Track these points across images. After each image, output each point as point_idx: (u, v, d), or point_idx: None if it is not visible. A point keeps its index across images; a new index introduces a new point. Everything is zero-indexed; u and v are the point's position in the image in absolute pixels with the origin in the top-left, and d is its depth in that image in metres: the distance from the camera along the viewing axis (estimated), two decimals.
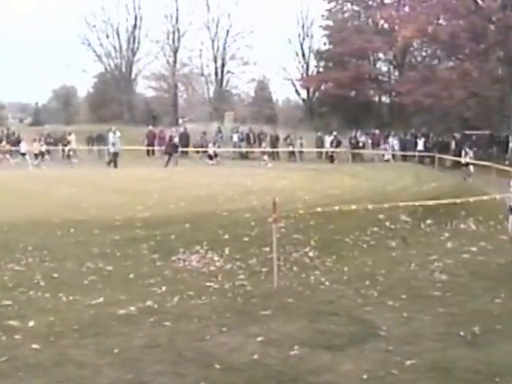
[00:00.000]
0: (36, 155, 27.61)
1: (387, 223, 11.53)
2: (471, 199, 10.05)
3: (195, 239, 9.21)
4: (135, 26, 45.59)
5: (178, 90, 46.34)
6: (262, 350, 5.51)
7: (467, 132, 30.89)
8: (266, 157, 29.19)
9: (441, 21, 30.30)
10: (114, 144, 24.62)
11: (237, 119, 39.42)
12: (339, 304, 6.70)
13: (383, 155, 28.56)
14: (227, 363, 5.09)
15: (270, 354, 5.45)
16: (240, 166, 24.91)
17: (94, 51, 45.58)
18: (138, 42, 46.23)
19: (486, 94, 30.82)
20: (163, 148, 27.79)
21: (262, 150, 30.80)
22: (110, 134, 25.29)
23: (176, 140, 27.08)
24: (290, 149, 30.70)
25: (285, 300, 6.50)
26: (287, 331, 5.87)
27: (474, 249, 9.90)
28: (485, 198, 11.41)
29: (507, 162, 20.46)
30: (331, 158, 29.12)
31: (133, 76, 47.66)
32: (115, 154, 24.62)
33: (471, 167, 22.23)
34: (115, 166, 24.09)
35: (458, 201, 11.23)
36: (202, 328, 6.11)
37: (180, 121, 42.24)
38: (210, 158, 28.32)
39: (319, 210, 9.48)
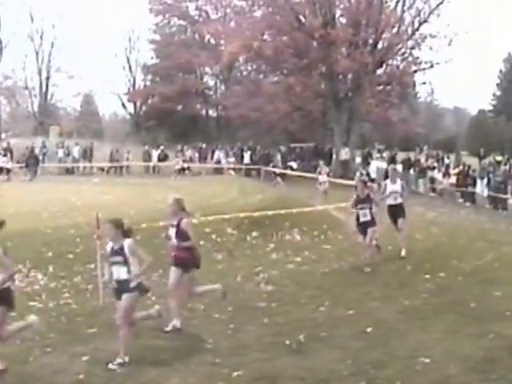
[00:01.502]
0: None
1: (213, 236, 12.30)
2: (294, 210, 11.09)
3: (18, 258, 8.81)
4: None
5: (0, 104, 45.02)
6: (88, 370, 5.62)
7: (292, 145, 33.45)
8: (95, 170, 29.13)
9: (265, 36, 32.40)
10: None
11: (62, 133, 39.06)
12: (166, 318, 6.96)
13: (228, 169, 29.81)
14: None
15: (95, 373, 5.57)
16: (65, 182, 24.41)
17: None
18: None
19: (309, 108, 33.86)
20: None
21: (89, 164, 31.26)
22: None
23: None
24: (116, 164, 31.03)
25: (110, 317, 6.61)
26: (113, 349, 6.03)
27: (298, 259, 11.01)
28: (306, 209, 12.64)
29: (331, 174, 22.63)
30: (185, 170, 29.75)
31: None
32: None
33: (279, 178, 24.54)
34: None
35: (283, 212, 12.29)
36: (25, 350, 6.07)
37: (3, 135, 39.65)
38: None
39: (144, 225, 9.79)
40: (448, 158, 29.75)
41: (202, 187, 19.95)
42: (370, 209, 10.74)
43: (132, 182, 24.73)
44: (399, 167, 27.28)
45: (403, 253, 11.38)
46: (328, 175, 21.50)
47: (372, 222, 10.72)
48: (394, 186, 11.69)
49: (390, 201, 11.60)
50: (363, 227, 10.67)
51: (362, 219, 10.68)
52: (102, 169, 31.46)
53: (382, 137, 42.74)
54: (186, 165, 30.11)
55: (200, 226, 11.53)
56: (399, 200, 11.64)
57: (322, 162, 23.52)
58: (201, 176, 28.55)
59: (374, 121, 36.15)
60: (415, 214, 17.42)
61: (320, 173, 21.28)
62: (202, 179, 25.76)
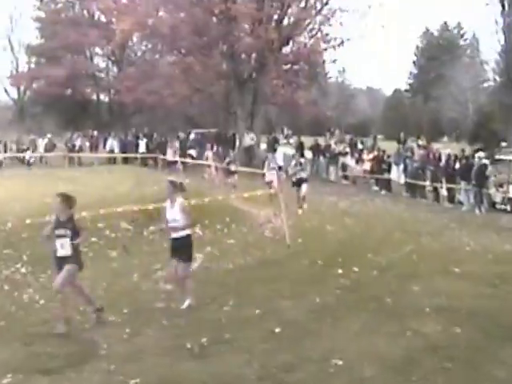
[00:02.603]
0: None
1: (107, 232, 12.18)
2: (192, 202, 11.08)
3: None
4: None
5: None
6: None
7: (192, 131, 33.46)
8: None
9: (161, 13, 32.02)
10: None
11: None
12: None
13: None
14: None
15: None
16: None
17: None
18: None
19: (210, 90, 33.87)
20: None
21: None
22: None
23: None
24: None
25: None
26: None
27: (200, 255, 10.96)
28: (206, 199, 12.67)
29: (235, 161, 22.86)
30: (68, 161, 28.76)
31: None
32: None
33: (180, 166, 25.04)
34: None
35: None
36: None
37: None
38: None
39: (29, 221, 9.79)
40: (362, 142, 30.72)
41: (94, 178, 19.84)
42: None
43: (18, 173, 24.27)
44: (308, 153, 28.09)
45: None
46: (229, 164, 21.74)
47: None
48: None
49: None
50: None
51: None
52: None
53: (290, 121, 43.73)
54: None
55: (92, 220, 11.40)
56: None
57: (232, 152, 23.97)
58: (93, 166, 28.05)
59: (280, 103, 36.82)
60: (326, 204, 17.98)
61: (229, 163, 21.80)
62: (93, 170, 25.37)
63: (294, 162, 18.41)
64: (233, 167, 21.48)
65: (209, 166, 24.03)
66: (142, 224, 13.03)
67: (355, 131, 42.77)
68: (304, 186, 17.05)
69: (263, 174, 19.14)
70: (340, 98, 57.83)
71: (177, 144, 29.38)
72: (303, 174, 17.48)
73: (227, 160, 22.23)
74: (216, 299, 8.47)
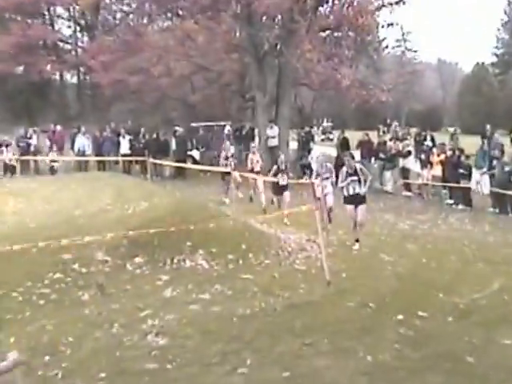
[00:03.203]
0: None
1: (76, 266, 12.20)
2: (192, 226, 11.17)
3: None
4: None
5: None
6: None
7: (194, 124, 33.57)
8: None
9: None
10: None
11: None
12: None
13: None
14: None
15: None
16: None
17: None
18: None
19: (218, 68, 33.96)
20: None
21: None
22: None
23: None
24: None
25: None
26: None
27: (205, 296, 11.08)
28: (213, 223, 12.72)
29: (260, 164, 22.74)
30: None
31: None
32: None
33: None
34: None
35: (181, 227, 12.30)
36: None
37: None
38: None
39: None
40: (433, 139, 30.53)
41: (57, 192, 19.75)
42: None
43: None
44: (356, 154, 28.12)
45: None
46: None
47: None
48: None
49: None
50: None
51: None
52: None
53: (330, 109, 43.76)
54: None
55: (55, 250, 11.49)
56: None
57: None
58: (56, 175, 28.07)
59: (316, 85, 36.79)
60: (381, 225, 17.97)
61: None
62: (56, 179, 25.42)
63: (344, 170, 16.03)
64: (282, 179, 19.16)
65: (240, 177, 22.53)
66: (125, 254, 13.05)
67: (421, 122, 42.64)
68: (361, 209, 15.75)
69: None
70: (400, 76, 57.74)
71: (173, 143, 29.50)
72: (359, 189, 15.77)
73: (275, 168, 19.69)
74: (228, 357, 8.49)
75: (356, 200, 15.65)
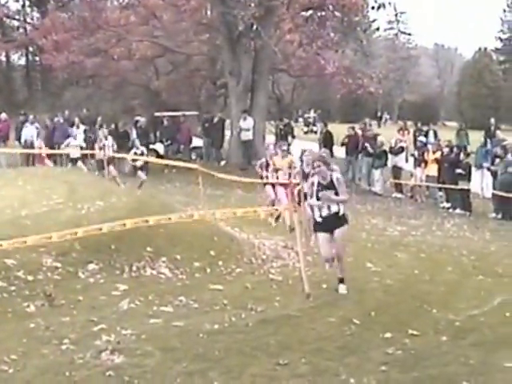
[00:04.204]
0: None
1: (21, 273, 12.10)
2: (151, 221, 11.18)
3: None
4: None
5: None
6: None
7: (158, 114, 33.54)
8: None
9: None
10: None
11: None
12: None
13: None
14: None
15: None
16: None
17: None
18: None
19: (186, 51, 33.95)
20: None
21: None
22: None
23: None
24: None
25: None
26: None
27: (168, 309, 11.10)
28: (172, 217, 12.72)
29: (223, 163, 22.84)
30: None
31: None
32: None
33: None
34: None
35: (142, 228, 12.32)
36: None
37: None
38: None
39: None
40: (435, 135, 30.61)
41: (0, 189, 19.63)
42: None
43: None
44: (339, 151, 28.22)
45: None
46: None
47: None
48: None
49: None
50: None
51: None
52: None
53: (313, 99, 43.84)
54: None
55: None
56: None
57: None
58: None
59: (297, 72, 36.90)
60: (368, 230, 18.04)
61: None
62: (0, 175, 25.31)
63: (315, 180, 12.86)
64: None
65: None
66: (77, 260, 12.99)
67: (416, 115, 42.87)
68: (339, 234, 12.62)
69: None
70: (392, 63, 58.10)
71: (133, 134, 29.46)
72: (337, 207, 12.69)
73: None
74: (192, 378, 8.48)
75: (332, 223, 12.65)
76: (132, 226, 12.08)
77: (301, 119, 50.80)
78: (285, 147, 20.65)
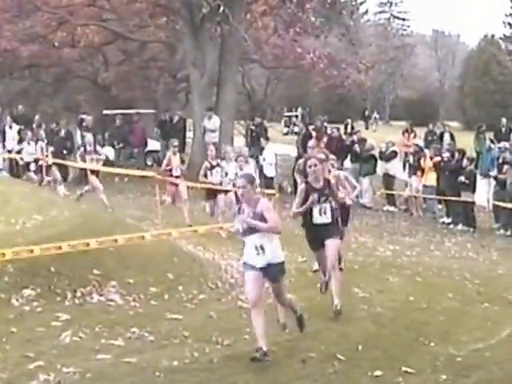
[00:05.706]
0: None
1: None
2: (93, 244, 11.22)
3: None
4: None
5: None
6: None
7: (108, 112, 33.59)
8: None
9: None
10: None
11: None
12: None
13: None
14: None
15: None
16: None
17: None
18: None
19: (140, 38, 34.01)
20: None
21: None
22: None
23: None
24: None
25: None
26: None
27: (118, 342, 11.10)
28: (120, 239, 12.77)
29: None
30: None
31: None
32: None
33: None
34: None
35: (88, 248, 12.32)
36: None
37: None
38: None
39: None
40: (452, 138, 30.62)
41: None
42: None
43: None
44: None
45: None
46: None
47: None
48: None
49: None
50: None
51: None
52: None
53: (290, 95, 44.01)
54: None
55: None
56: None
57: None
58: None
59: (271, 63, 37.00)
60: (355, 249, 18.12)
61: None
62: None
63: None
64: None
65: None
66: (10, 285, 12.97)
67: (411, 114, 43.11)
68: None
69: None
70: (384, 52, 58.36)
71: (78, 136, 29.46)
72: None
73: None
74: None
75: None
76: (69, 249, 12.10)
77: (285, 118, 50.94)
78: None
